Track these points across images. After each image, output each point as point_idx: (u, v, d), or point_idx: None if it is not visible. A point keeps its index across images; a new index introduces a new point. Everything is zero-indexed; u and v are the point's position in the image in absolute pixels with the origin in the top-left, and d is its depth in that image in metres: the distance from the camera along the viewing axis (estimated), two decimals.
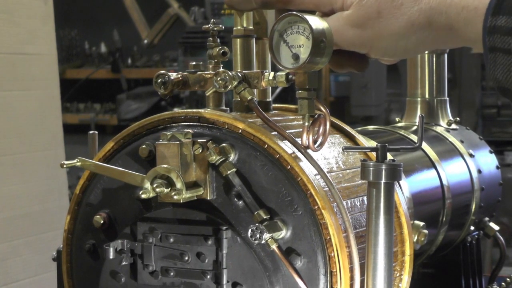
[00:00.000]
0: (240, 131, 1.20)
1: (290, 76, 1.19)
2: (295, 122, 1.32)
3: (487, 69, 1.03)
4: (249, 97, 1.21)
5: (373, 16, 1.10)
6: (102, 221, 1.27)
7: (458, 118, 2.03)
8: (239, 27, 1.32)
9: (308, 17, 1.12)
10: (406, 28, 1.09)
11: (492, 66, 1.02)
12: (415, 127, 1.88)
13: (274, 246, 1.14)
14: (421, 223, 1.46)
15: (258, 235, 1.13)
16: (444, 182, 1.72)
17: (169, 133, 1.19)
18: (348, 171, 1.29)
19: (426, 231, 1.46)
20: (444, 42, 1.11)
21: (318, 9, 1.16)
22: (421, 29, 1.08)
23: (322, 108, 1.19)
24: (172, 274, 1.21)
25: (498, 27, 1.01)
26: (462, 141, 1.92)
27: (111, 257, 1.21)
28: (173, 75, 1.27)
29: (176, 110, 1.35)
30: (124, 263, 1.23)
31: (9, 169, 2.59)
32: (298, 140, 1.19)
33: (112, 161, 1.28)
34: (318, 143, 1.19)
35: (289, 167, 1.16)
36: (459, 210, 1.79)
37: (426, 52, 1.97)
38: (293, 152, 1.17)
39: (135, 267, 1.24)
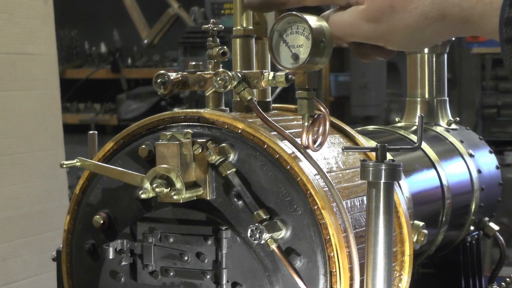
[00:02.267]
0: (239, 131, 1.20)
1: (290, 76, 1.19)
2: (295, 122, 1.32)
3: (504, 61, 1.02)
4: (249, 97, 1.21)
5: (387, 10, 1.10)
6: (102, 221, 1.27)
7: (458, 118, 2.03)
8: (238, 27, 1.32)
9: (308, 17, 1.12)
10: (420, 21, 1.09)
11: (509, 58, 1.01)
12: (415, 127, 1.88)
13: (273, 246, 1.14)
14: (421, 223, 1.46)
15: (257, 235, 1.13)
16: (444, 182, 1.72)
17: (168, 133, 1.19)
18: (347, 171, 1.29)
19: (425, 231, 1.46)
20: (460, 33, 1.11)
21: (334, 2, 1.17)
22: (435, 22, 1.08)
23: (322, 108, 1.19)
24: (171, 274, 1.21)
25: None
26: (462, 141, 1.92)
27: (110, 257, 1.21)
28: (173, 75, 1.27)
29: (176, 110, 1.35)
30: (123, 263, 1.23)
31: (9, 169, 2.59)
32: (298, 140, 1.19)
33: (112, 161, 1.28)
34: (317, 143, 1.19)
35: (288, 167, 1.16)
36: (459, 210, 1.79)
37: (426, 52, 1.98)
38: (293, 152, 1.17)
39: (134, 267, 1.24)
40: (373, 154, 1.31)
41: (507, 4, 1.00)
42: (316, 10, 1.22)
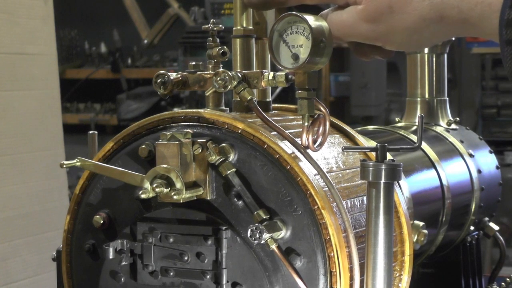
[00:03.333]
0: (239, 131, 1.20)
1: (290, 76, 1.19)
2: (295, 122, 1.32)
3: (504, 62, 1.02)
4: (249, 97, 1.21)
5: (385, 11, 1.10)
6: (102, 221, 1.27)
7: (458, 118, 2.03)
8: (238, 27, 1.32)
9: (308, 17, 1.12)
10: (418, 23, 1.09)
11: (509, 60, 1.01)
12: (415, 127, 1.88)
13: (273, 246, 1.14)
14: (421, 223, 1.46)
15: (257, 235, 1.13)
16: (444, 182, 1.72)
17: (168, 133, 1.19)
18: (347, 171, 1.29)
19: (425, 231, 1.46)
20: (458, 34, 1.11)
21: (333, 1, 1.17)
22: (433, 23, 1.08)
23: (322, 108, 1.19)
24: (171, 274, 1.21)
25: None
26: (462, 141, 1.92)
27: (111, 257, 1.21)
28: (173, 75, 1.27)
29: (176, 110, 1.35)
30: (123, 263, 1.23)
31: (9, 169, 2.59)
32: (298, 140, 1.19)
33: (112, 161, 1.28)
34: (317, 143, 1.19)
35: (288, 167, 1.16)
36: (459, 210, 1.79)
37: (426, 52, 1.98)
38: (293, 152, 1.17)
39: (134, 267, 1.24)
40: (373, 154, 1.31)
41: (507, 6, 1.00)
42: (316, 10, 1.22)
